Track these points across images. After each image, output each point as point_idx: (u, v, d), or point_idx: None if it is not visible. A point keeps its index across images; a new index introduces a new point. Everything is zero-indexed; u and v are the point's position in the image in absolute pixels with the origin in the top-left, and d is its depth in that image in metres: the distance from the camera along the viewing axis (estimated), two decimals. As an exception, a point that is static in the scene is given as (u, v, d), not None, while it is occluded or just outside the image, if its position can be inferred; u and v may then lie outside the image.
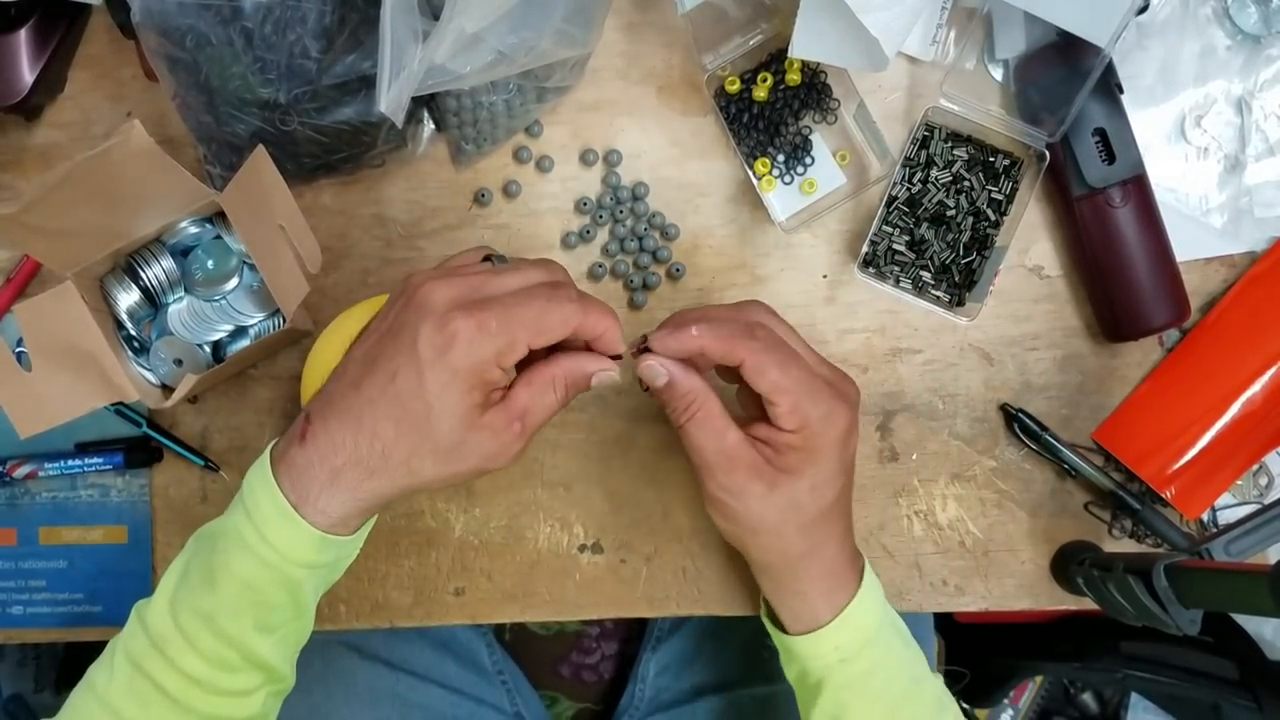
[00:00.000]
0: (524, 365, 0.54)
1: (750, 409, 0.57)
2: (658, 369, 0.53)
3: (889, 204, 0.66)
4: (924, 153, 0.66)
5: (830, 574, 0.57)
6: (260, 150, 0.58)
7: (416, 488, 0.51)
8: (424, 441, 0.49)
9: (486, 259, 0.55)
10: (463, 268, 0.52)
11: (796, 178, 0.67)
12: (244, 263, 0.66)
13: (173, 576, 0.52)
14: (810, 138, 0.67)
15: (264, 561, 0.50)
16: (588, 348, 0.54)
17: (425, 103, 0.66)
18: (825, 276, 0.68)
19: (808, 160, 0.67)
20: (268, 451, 0.52)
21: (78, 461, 0.68)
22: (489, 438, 0.50)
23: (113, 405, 0.65)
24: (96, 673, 0.53)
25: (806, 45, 0.59)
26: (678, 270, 0.68)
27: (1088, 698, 1.06)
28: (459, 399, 0.48)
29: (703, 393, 0.53)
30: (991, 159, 0.66)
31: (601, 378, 0.53)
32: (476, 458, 0.50)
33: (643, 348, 0.54)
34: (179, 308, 0.65)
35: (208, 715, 0.51)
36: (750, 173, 0.66)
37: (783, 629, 0.58)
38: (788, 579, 0.57)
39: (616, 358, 0.54)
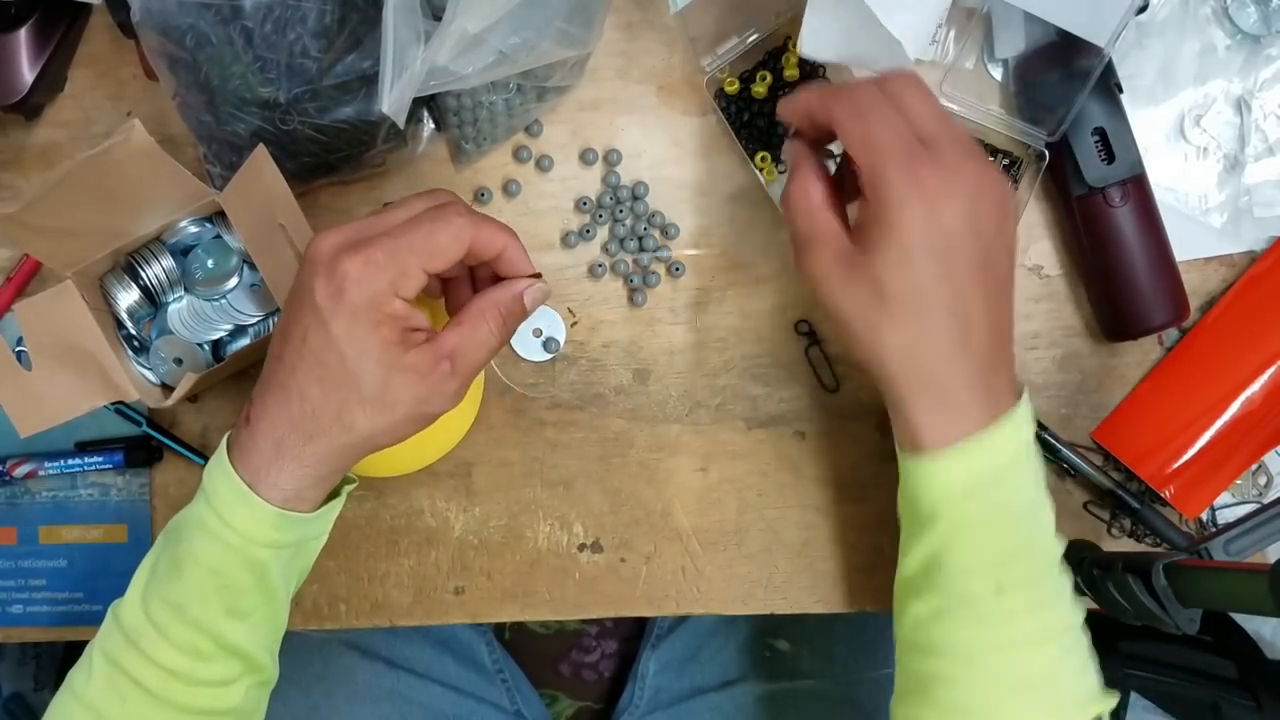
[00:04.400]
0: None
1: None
2: (791, 150, 0.53)
3: (889, 203, 0.66)
4: (924, 152, 0.66)
5: (970, 385, 0.49)
6: (260, 149, 0.58)
7: (360, 445, 0.50)
8: (349, 392, 0.48)
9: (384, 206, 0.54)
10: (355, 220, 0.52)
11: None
12: (244, 262, 0.66)
13: (144, 572, 0.53)
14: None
15: (226, 545, 0.50)
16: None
17: (425, 102, 0.66)
18: (825, 276, 0.68)
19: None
20: (224, 440, 0.52)
21: (78, 460, 0.68)
22: (415, 380, 0.49)
23: (113, 404, 0.65)
24: (75, 674, 0.53)
25: (815, 44, 0.58)
26: (677, 269, 0.68)
27: (1087, 697, 1.06)
28: (367, 338, 0.47)
29: (802, 155, 0.52)
30: (991, 158, 0.66)
31: (532, 294, 0.52)
32: (408, 401, 0.49)
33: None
34: (179, 307, 0.65)
35: (188, 707, 0.51)
36: (754, 167, 0.66)
37: (901, 445, 0.52)
38: (915, 386, 0.49)
39: (535, 278, 0.53)
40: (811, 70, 0.66)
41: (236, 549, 0.51)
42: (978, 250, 0.48)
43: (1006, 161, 0.65)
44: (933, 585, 0.51)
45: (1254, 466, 0.68)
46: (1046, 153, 0.63)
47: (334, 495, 0.55)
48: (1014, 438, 0.50)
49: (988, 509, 0.49)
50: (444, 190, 0.53)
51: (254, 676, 0.54)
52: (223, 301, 0.66)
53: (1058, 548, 0.52)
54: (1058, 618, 0.51)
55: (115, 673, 0.51)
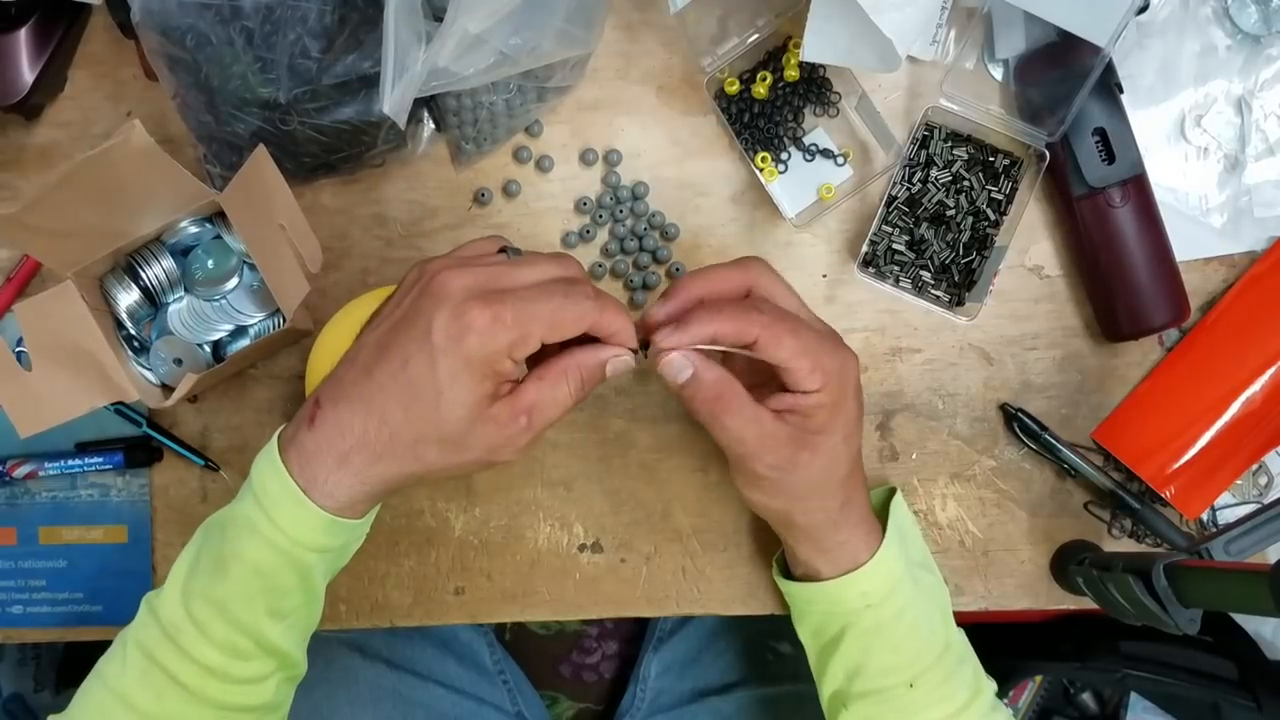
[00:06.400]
0: (536, 360, 0.54)
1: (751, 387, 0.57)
2: (682, 363, 0.53)
3: (889, 204, 0.66)
4: (924, 152, 0.66)
5: (864, 520, 0.58)
6: (261, 150, 0.58)
7: (421, 475, 0.51)
8: (431, 429, 0.49)
9: (501, 250, 0.54)
10: (478, 258, 0.52)
11: (808, 179, 0.67)
12: (244, 262, 0.66)
13: (183, 566, 0.52)
14: (812, 132, 0.67)
15: (275, 546, 0.51)
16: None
17: (425, 103, 0.66)
18: (825, 276, 0.68)
19: (808, 156, 0.67)
20: (275, 437, 0.52)
21: (78, 461, 0.68)
22: (494, 430, 0.50)
23: (113, 405, 0.65)
24: (107, 665, 0.53)
25: (818, 48, 0.58)
26: (677, 270, 0.68)
27: (1087, 697, 1.06)
28: (470, 388, 0.48)
29: (728, 381, 0.53)
30: (991, 159, 0.66)
31: (616, 365, 0.53)
32: (481, 448, 0.50)
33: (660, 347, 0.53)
34: (179, 307, 0.65)
35: (223, 703, 0.51)
36: (754, 168, 0.66)
37: (804, 579, 0.60)
38: (830, 533, 0.57)
39: (634, 352, 0.53)
40: (813, 69, 0.67)
41: (285, 551, 0.51)
42: (861, 402, 0.58)
43: (1007, 161, 0.66)
44: (856, 693, 0.58)
45: (1254, 467, 0.68)
46: (1046, 153, 0.63)
47: None
48: (897, 557, 0.58)
49: (889, 616, 0.57)
50: (571, 258, 0.53)
51: (286, 673, 0.54)
52: (223, 302, 0.66)
53: (958, 637, 0.60)
54: (971, 694, 0.58)
55: (151, 667, 0.51)
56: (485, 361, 0.48)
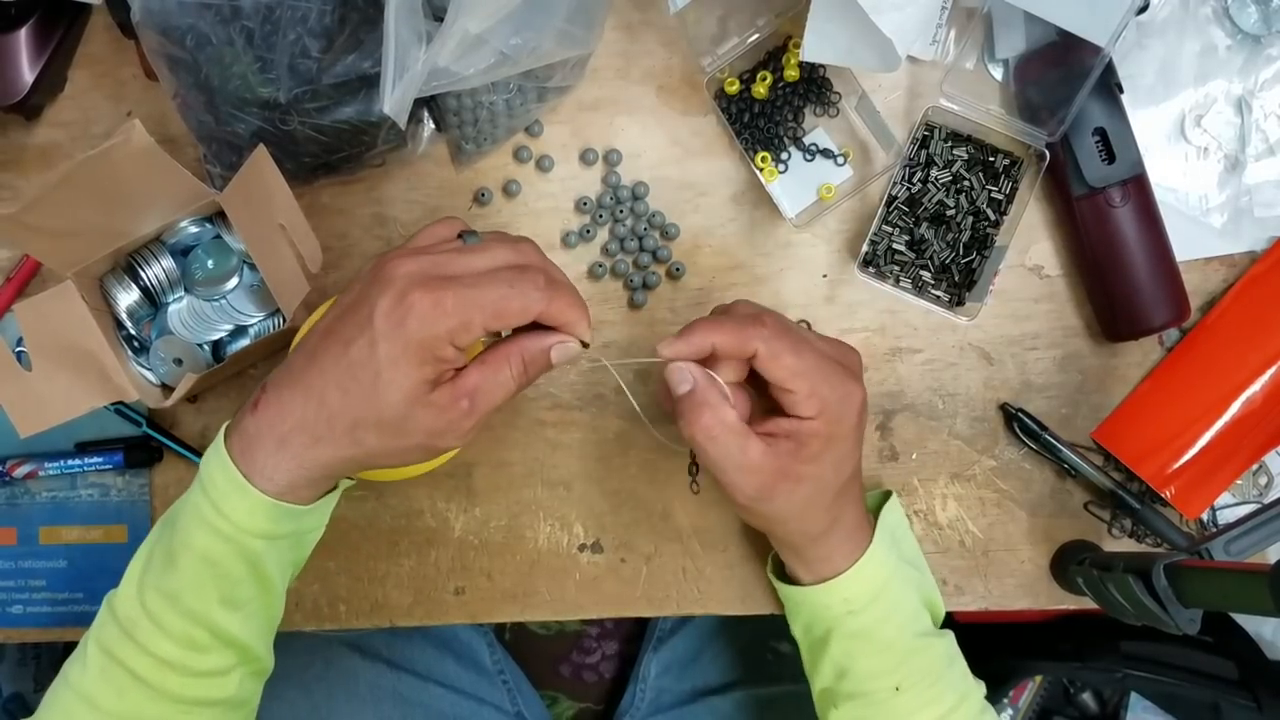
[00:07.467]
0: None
1: (760, 407, 0.57)
2: (683, 375, 0.53)
3: (889, 204, 0.66)
4: (924, 152, 0.66)
5: (849, 536, 0.58)
6: (261, 150, 0.58)
7: (363, 460, 0.51)
8: (368, 411, 0.49)
9: (461, 235, 0.54)
10: (434, 245, 0.52)
11: (808, 179, 0.67)
12: (244, 262, 0.66)
13: (139, 562, 0.53)
14: (813, 132, 0.67)
15: (220, 534, 0.51)
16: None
17: (425, 102, 0.66)
18: (825, 276, 0.68)
19: (808, 156, 0.67)
20: (224, 428, 0.52)
21: (78, 461, 0.68)
22: (434, 414, 0.49)
23: (113, 405, 0.65)
24: (70, 666, 0.53)
25: (818, 48, 0.59)
26: (678, 270, 0.68)
27: (1087, 697, 1.06)
28: (408, 372, 0.48)
29: (719, 407, 0.53)
30: (991, 159, 0.66)
31: (561, 352, 0.52)
32: (421, 433, 0.50)
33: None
34: (179, 307, 0.65)
35: (184, 698, 0.51)
36: (754, 167, 0.66)
37: (793, 582, 0.60)
38: (810, 548, 0.58)
39: (585, 345, 0.53)
40: (813, 69, 0.67)
41: (230, 538, 0.51)
42: (861, 435, 0.57)
43: (1007, 161, 0.66)
44: (845, 693, 0.58)
45: (1254, 466, 0.68)
46: (1047, 153, 0.63)
47: (331, 488, 0.55)
48: (882, 563, 0.58)
49: (872, 622, 0.58)
50: (529, 243, 0.53)
51: (248, 667, 0.54)
52: (223, 302, 0.66)
53: (948, 640, 0.60)
54: (959, 698, 0.58)
55: (110, 664, 0.51)
56: (424, 346, 0.48)
